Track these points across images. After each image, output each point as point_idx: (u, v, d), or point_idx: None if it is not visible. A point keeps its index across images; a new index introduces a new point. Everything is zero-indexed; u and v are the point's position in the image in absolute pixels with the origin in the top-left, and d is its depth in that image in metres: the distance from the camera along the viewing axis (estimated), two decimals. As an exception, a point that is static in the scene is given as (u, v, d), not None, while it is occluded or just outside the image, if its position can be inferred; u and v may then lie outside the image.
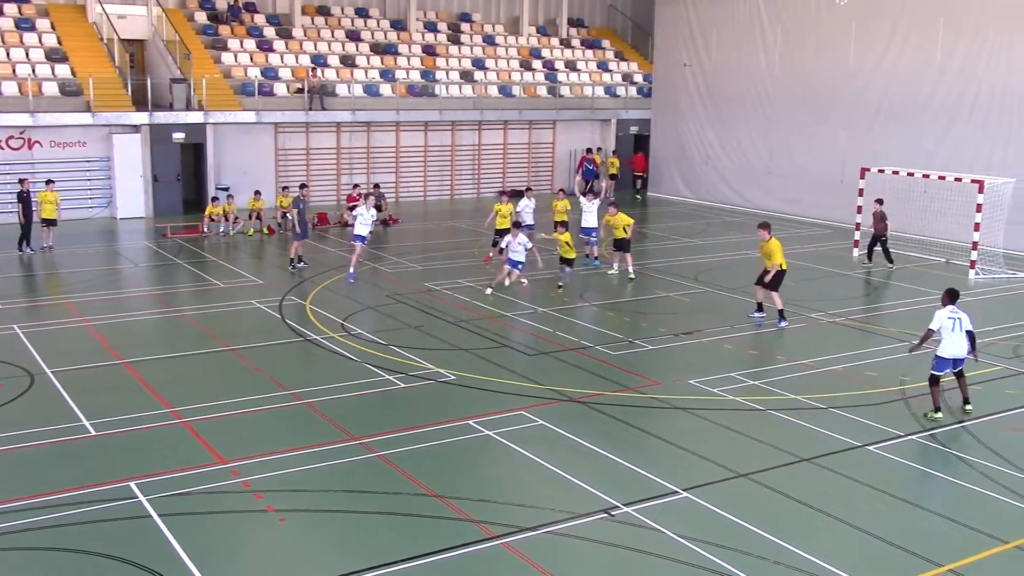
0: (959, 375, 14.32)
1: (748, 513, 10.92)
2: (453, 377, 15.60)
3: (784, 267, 18.98)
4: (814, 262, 26.08)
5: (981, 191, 24.55)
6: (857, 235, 27.51)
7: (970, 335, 14.03)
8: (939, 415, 14.07)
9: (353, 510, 10.96)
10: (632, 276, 23.02)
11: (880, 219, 25.19)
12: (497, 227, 24.08)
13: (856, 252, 27.12)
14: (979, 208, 24.59)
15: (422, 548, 10.00)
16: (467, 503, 11.12)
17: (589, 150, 39.80)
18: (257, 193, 29.78)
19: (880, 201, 25.44)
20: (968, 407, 14.36)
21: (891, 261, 25.24)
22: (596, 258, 24.69)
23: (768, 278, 18.96)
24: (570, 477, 11.85)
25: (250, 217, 29.36)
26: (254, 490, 11.36)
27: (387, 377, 15.60)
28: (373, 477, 11.80)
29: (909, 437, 13.37)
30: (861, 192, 27.63)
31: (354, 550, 10.08)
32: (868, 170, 27.56)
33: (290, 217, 25.33)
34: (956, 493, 11.72)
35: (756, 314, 19.50)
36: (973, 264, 24.54)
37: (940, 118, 29.77)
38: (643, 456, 12.60)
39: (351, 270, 22.32)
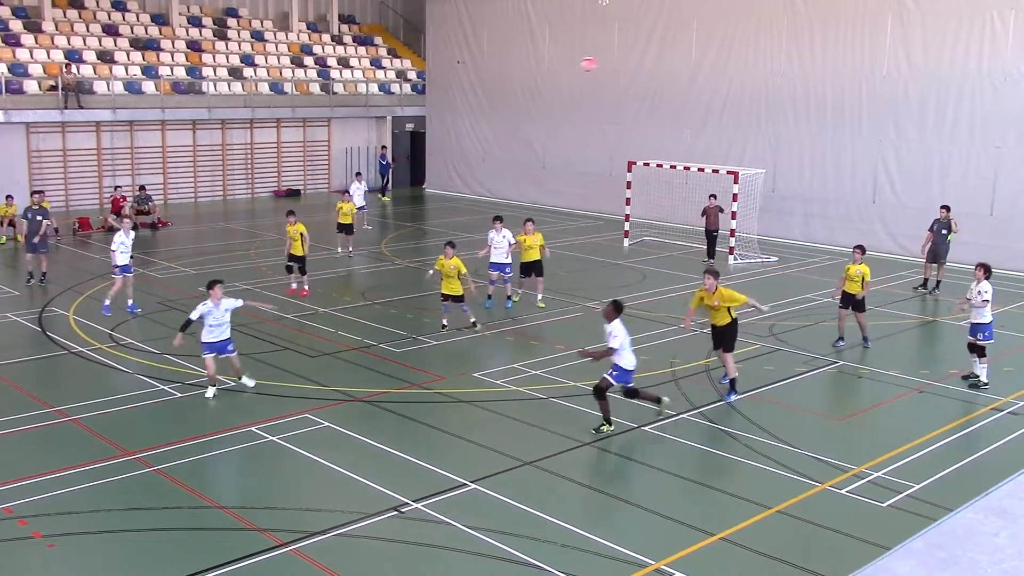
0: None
1: (534, 500, 11.19)
2: (233, 383, 15.13)
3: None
4: (588, 253, 27.04)
5: (736, 181, 26.23)
6: (627, 226, 28.74)
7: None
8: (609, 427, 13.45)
9: (129, 529, 10.42)
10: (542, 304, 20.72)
11: (716, 213, 25.53)
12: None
13: (627, 242, 28.33)
14: (735, 197, 26.25)
15: (205, 563, 9.63)
16: (253, 512, 10.81)
17: (384, 147, 40.41)
18: (9, 198, 27.72)
19: (714, 196, 25.82)
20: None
21: (712, 256, 25.51)
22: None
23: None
24: (358, 477, 11.75)
25: (1, 224, 27.31)
26: (18, 516, 10.60)
27: (162, 387, 14.93)
28: (150, 493, 11.26)
29: (681, 416, 14.11)
30: (629, 185, 28.87)
31: (132, 571, 9.59)
32: (635, 163, 28.84)
33: (15, 227, 23.47)
34: (724, 465, 12.47)
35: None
36: (732, 250, 26.17)
37: (697, 114, 31.57)
38: (430, 451, 12.67)
39: (107, 302, 19.25)
